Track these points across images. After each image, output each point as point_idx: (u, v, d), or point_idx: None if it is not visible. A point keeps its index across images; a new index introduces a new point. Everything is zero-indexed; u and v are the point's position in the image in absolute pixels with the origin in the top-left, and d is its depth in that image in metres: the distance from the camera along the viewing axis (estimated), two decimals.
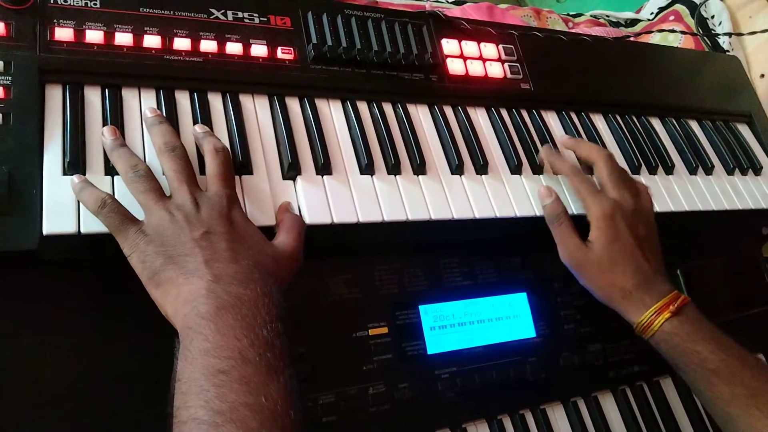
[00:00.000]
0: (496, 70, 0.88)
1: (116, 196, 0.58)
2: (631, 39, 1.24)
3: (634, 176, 0.88)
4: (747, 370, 0.68)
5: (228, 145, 0.66)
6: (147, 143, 0.64)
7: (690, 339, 0.70)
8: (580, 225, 0.77)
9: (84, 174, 0.59)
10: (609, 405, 0.81)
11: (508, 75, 0.88)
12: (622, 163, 0.89)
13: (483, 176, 0.79)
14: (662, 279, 0.75)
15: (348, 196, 0.69)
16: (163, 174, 0.61)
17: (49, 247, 0.55)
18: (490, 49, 0.89)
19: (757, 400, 0.66)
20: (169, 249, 0.55)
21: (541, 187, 0.79)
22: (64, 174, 0.58)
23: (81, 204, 0.57)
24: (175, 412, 0.48)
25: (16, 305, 0.57)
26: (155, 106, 0.66)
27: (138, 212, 0.57)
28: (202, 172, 0.63)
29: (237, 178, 0.65)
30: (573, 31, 1.40)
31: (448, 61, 0.85)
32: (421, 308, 0.74)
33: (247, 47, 0.72)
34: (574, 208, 0.80)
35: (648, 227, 0.78)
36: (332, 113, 0.75)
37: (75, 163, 0.59)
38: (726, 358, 0.69)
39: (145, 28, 0.68)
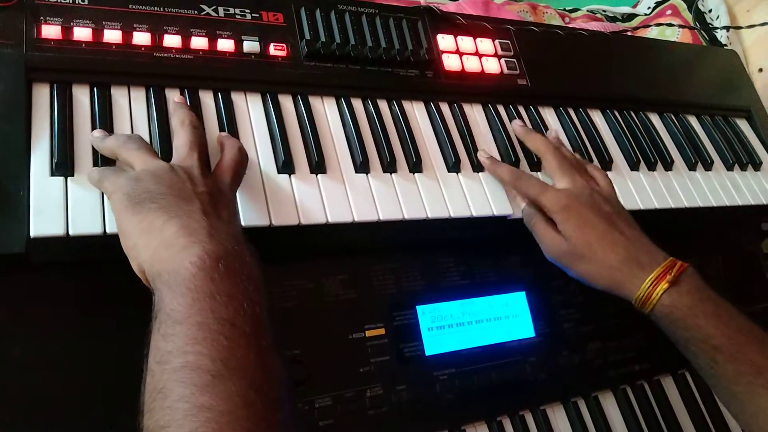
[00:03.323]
0: (492, 66, 0.86)
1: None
2: (629, 34, 1.23)
3: (632, 172, 0.88)
4: (752, 345, 0.65)
5: None
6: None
7: (691, 313, 0.67)
8: None
9: (72, 175, 0.58)
10: (609, 405, 0.81)
11: (505, 71, 0.87)
12: (621, 159, 0.89)
13: (480, 174, 0.78)
14: (650, 248, 0.71)
15: (343, 195, 0.68)
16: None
17: (37, 250, 0.54)
18: (486, 45, 0.88)
19: (763, 378, 0.63)
20: (162, 189, 0.51)
21: (517, 195, 0.78)
22: (52, 175, 0.57)
23: (69, 200, 0.56)
24: (162, 357, 0.44)
25: (3, 309, 0.56)
26: (145, 105, 0.65)
27: None
28: None
29: None
30: (570, 26, 1.39)
31: (444, 56, 0.83)
32: (419, 309, 0.73)
33: (238, 44, 0.71)
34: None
35: (612, 204, 0.75)
36: (326, 110, 0.74)
37: (63, 164, 0.57)
38: (730, 333, 0.66)
39: (135, 25, 0.67)
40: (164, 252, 0.48)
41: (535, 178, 0.78)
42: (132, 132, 0.63)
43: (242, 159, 0.62)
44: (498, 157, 0.80)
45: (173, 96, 0.67)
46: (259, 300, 0.48)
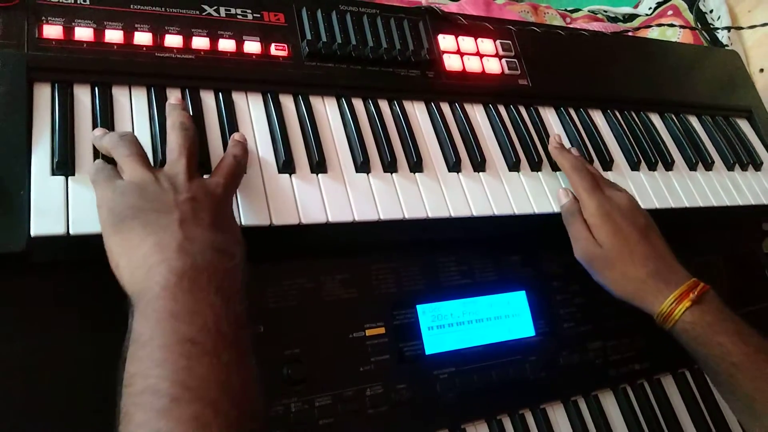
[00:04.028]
0: (493, 66, 0.87)
1: None
2: (630, 34, 1.23)
3: (633, 172, 0.88)
4: None
5: (221, 144, 0.66)
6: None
7: (712, 330, 0.69)
8: None
9: (73, 174, 0.58)
10: (610, 404, 0.80)
11: (506, 71, 0.87)
12: (621, 159, 0.89)
13: (480, 173, 0.78)
14: (676, 267, 0.73)
15: (344, 195, 0.68)
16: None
17: (37, 249, 0.54)
18: (487, 45, 0.88)
19: None
20: (144, 203, 0.52)
21: (560, 189, 0.80)
22: (53, 174, 0.57)
23: (70, 199, 0.56)
24: (128, 380, 0.44)
25: (4, 308, 0.56)
26: (146, 105, 0.65)
27: None
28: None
29: None
30: (571, 26, 1.39)
31: (445, 57, 0.84)
32: (419, 308, 0.73)
33: (240, 44, 0.71)
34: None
35: (645, 217, 0.77)
36: (327, 110, 0.74)
37: (64, 163, 0.58)
38: (749, 351, 0.67)
39: (136, 25, 0.67)
40: (137, 272, 0.49)
41: (592, 177, 0.78)
42: (133, 132, 0.63)
43: (240, 159, 0.62)
44: (499, 157, 0.80)
45: (174, 96, 0.67)
46: (226, 314, 0.47)
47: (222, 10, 0.72)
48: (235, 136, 0.65)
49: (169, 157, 0.58)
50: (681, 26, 1.33)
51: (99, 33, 0.65)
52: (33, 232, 0.54)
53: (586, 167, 0.80)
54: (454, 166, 0.76)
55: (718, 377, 0.70)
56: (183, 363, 0.43)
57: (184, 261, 0.48)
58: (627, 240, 0.73)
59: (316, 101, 0.74)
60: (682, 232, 0.91)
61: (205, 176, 0.61)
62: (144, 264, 0.48)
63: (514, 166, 0.80)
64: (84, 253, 0.58)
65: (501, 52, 0.88)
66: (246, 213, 0.62)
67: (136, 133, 0.63)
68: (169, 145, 0.59)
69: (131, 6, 0.68)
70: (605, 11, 1.57)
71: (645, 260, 0.72)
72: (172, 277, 0.47)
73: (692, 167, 0.94)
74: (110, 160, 0.59)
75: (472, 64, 0.85)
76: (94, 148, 0.60)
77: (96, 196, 0.55)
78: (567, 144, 0.86)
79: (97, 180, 0.56)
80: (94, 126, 0.62)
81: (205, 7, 0.72)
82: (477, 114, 0.84)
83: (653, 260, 0.73)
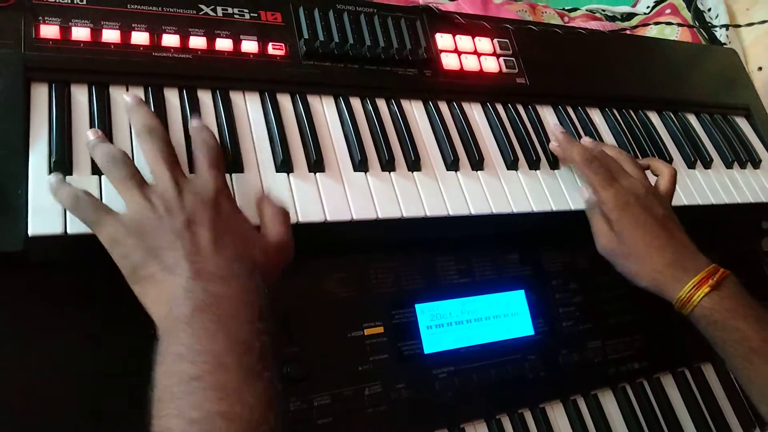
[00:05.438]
0: (491, 65, 0.86)
1: (104, 195, 0.57)
2: (628, 32, 1.23)
3: None
4: None
5: (218, 143, 0.65)
6: (135, 142, 0.62)
7: (731, 315, 0.69)
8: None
9: (71, 174, 0.58)
10: (609, 403, 0.81)
11: (504, 69, 0.87)
12: None
13: (479, 172, 0.78)
14: (695, 253, 0.74)
15: (341, 194, 0.68)
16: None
17: (35, 249, 0.54)
18: (484, 44, 0.88)
19: None
20: (149, 241, 0.53)
21: (582, 185, 0.81)
22: (50, 174, 0.57)
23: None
24: (152, 421, 0.47)
25: (1, 308, 0.56)
26: None
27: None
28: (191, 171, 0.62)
29: (228, 176, 0.63)
30: (569, 25, 1.39)
31: (443, 55, 0.83)
32: (418, 307, 0.73)
33: (237, 43, 0.71)
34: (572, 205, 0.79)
35: (664, 206, 0.77)
36: (325, 109, 0.74)
37: (61, 163, 0.58)
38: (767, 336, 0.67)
39: (133, 25, 0.67)
40: (155, 320, 0.51)
41: (606, 169, 0.78)
42: (131, 132, 0.62)
43: (214, 146, 0.61)
44: (497, 156, 0.80)
45: (171, 96, 0.67)
46: (229, 344, 0.49)
47: (219, 9, 0.72)
48: (193, 123, 0.64)
49: (150, 169, 0.57)
50: (679, 24, 1.33)
51: (96, 33, 0.65)
52: (30, 232, 0.53)
53: (597, 158, 0.79)
54: (452, 165, 0.76)
55: (736, 363, 0.70)
56: (189, 400, 0.46)
57: (186, 305, 0.50)
58: (646, 232, 0.73)
59: (313, 100, 0.74)
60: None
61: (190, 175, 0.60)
62: (158, 313, 0.51)
63: (512, 164, 0.80)
64: (81, 253, 0.58)
65: (498, 51, 0.88)
66: (244, 212, 0.62)
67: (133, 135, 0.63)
68: (144, 155, 0.58)
69: (128, 6, 0.68)
70: (603, 10, 1.57)
71: (662, 251, 0.73)
72: (177, 324, 0.49)
73: (691, 165, 0.94)
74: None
75: (470, 63, 0.85)
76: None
77: (100, 238, 0.54)
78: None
79: (96, 221, 0.54)
80: (92, 125, 0.61)
81: (202, 6, 0.72)
82: (475, 113, 0.84)
83: (671, 249, 0.73)
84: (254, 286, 0.53)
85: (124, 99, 0.62)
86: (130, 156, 0.60)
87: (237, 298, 0.51)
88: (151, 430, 0.46)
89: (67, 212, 0.55)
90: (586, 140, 0.85)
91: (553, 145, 0.83)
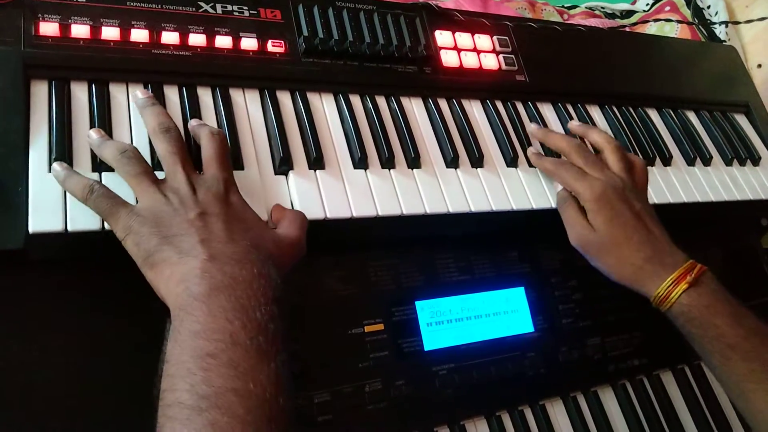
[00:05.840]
0: (490, 62, 0.86)
1: None
2: (627, 30, 1.23)
3: None
4: (766, 345, 0.67)
5: None
6: (135, 139, 0.62)
7: (708, 312, 0.68)
8: None
9: None
10: (609, 400, 0.80)
11: (503, 67, 0.87)
12: None
13: (478, 169, 0.78)
14: (673, 249, 0.73)
15: (341, 191, 0.68)
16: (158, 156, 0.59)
17: (35, 246, 0.54)
18: (484, 41, 0.88)
19: None
20: (164, 229, 0.53)
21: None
22: (51, 171, 0.57)
23: (68, 197, 0.56)
24: (162, 395, 0.47)
25: (2, 306, 0.56)
26: None
27: (131, 200, 0.56)
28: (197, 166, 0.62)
29: None
30: (568, 22, 1.39)
31: (442, 52, 0.83)
32: (418, 304, 0.73)
33: (236, 41, 0.71)
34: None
35: (641, 200, 0.76)
36: (324, 107, 0.74)
37: (61, 160, 0.57)
38: (744, 333, 0.67)
39: (132, 22, 0.67)
40: (170, 299, 0.52)
41: (576, 167, 0.77)
42: (131, 129, 0.63)
43: (221, 141, 0.62)
44: (497, 153, 0.80)
45: (171, 93, 0.67)
46: (244, 325, 0.49)
47: (218, 6, 0.72)
48: (192, 122, 0.64)
49: (165, 168, 0.58)
50: (678, 22, 1.33)
51: (95, 30, 0.65)
52: (31, 229, 0.53)
53: (566, 161, 0.79)
54: (451, 162, 0.76)
55: (713, 360, 0.69)
56: (202, 375, 0.46)
57: (203, 285, 0.50)
58: (623, 226, 0.72)
59: (313, 97, 0.74)
60: (681, 228, 0.91)
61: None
62: (173, 292, 0.51)
63: (511, 161, 0.80)
64: (82, 250, 0.58)
65: (498, 48, 0.88)
66: None
67: (134, 131, 0.63)
68: (159, 154, 0.59)
69: (128, 3, 0.68)
70: (602, 7, 1.56)
71: (641, 245, 0.72)
72: (193, 302, 0.50)
73: (690, 162, 0.94)
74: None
75: (470, 60, 0.85)
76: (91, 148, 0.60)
77: (114, 228, 0.54)
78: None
79: (111, 212, 0.54)
80: (92, 123, 0.61)
81: (202, 3, 0.72)
82: (474, 110, 0.84)
83: (649, 245, 0.72)
84: (267, 271, 0.53)
85: (137, 95, 0.63)
86: None
87: (252, 280, 0.52)
88: (160, 403, 0.47)
89: (68, 209, 0.55)
90: (573, 123, 0.85)
91: (530, 152, 0.82)
